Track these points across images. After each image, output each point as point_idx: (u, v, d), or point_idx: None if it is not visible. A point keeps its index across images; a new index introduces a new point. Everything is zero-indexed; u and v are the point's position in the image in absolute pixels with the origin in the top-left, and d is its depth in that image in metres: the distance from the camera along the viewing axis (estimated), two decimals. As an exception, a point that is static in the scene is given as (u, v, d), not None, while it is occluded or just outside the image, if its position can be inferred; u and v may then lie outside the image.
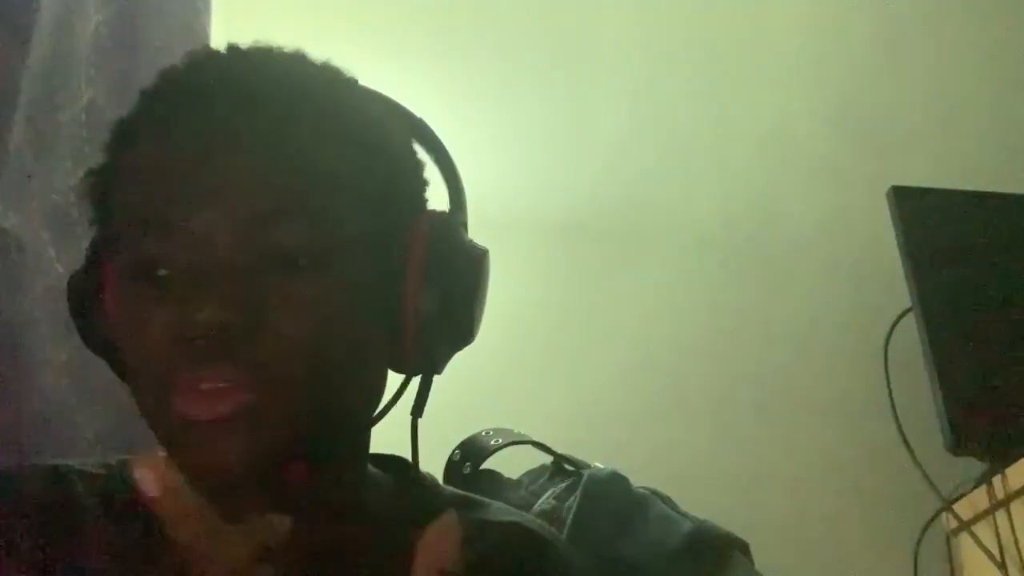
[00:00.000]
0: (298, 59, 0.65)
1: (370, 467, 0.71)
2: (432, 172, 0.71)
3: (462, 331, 0.65)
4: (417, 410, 0.67)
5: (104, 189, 0.64)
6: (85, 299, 0.65)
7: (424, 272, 0.63)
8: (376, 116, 0.66)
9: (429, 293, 0.63)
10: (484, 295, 0.67)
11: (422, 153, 0.71)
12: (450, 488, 0.76)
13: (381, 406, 0.67)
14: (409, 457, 0.73)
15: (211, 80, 0.61)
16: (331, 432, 0.61)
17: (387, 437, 0.70)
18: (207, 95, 0.60)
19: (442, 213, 0.67)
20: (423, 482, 0.74)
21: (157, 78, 0.64)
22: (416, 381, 0.69)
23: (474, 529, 0.70)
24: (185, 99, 0.61)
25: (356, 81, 0.67)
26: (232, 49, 0.64)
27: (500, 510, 0.76)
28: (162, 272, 0.58)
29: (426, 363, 0.66)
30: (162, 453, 0.67)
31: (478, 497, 0.76)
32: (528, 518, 0.78)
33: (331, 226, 0.59)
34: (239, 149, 0.59)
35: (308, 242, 0.58)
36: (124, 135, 0.63)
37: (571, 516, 0.90)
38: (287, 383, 0.57)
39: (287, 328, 0.57)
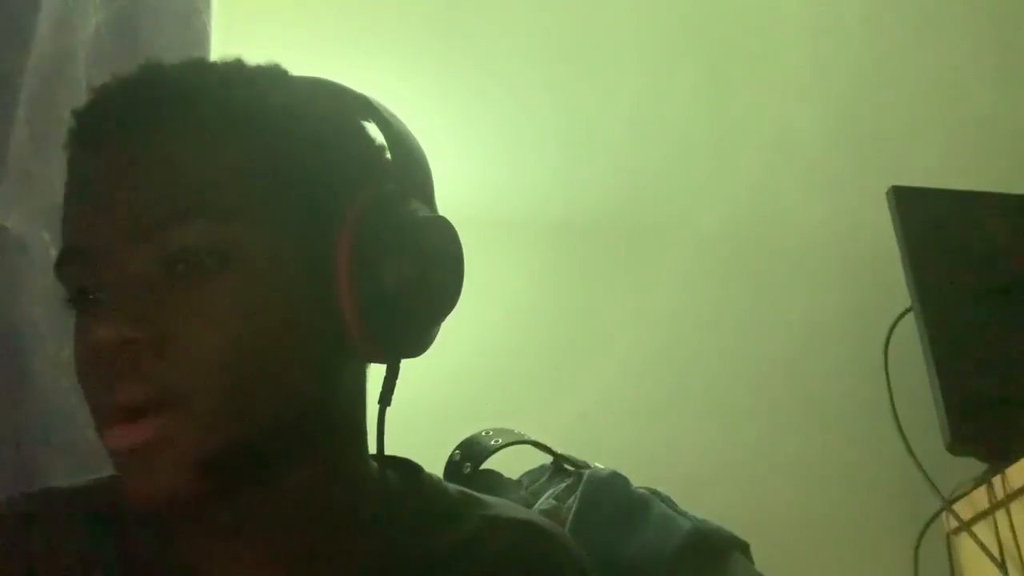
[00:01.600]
0: (211, 67, 0.63)
1: (374, 465, 0.69)
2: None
3: (415, 307, 0.61)
4: (384, 398, 0.64)
5: None
6: None
7: (353, 252, 0.59)
8: (296, 108, 0.62)
9: (362, 273, 0.59)
10: (445, 265, 0.63)
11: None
12: (455, 486, 0.75)
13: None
14: (410, 456, 0.73)
15: (113, 102, 0.60)
16: (276, 436, 0.59)
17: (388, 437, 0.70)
18: (108, 118, 0.59)
19: (384, 188, 0.64)
20: (430, 481, 0.73)
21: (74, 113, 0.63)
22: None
23: (486, 527, 0.70)
24: (88, 125, 0.60)
25: (284, 75, 0.65)
26: (143, 68, 0.63)
27: (510, 507, 0.75)
28: (83, 297, 0.58)
29: (383, 348, 0.62)
30: None
31: (485, 496, 0.75)
32: (539, 517, 0.77)
33: (235, 225, 0.57)
34: (131, 163, 0.58)
35: (208, 244, 0.56)
36: (66, 160, 0.63)
37: (571, 516, 0.90)
38: (202, 395, 0.55)
39: (195, 338, 0.55)
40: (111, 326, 0.54)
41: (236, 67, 0.64)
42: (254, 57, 0.66)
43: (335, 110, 0.66)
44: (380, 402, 0.64)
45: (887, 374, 1.36)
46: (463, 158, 0.72)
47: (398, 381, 0.65)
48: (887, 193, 1.43)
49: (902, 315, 1.38)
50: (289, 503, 0.62)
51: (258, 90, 0.62)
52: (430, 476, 0.74)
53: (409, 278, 0.60)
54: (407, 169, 0.65)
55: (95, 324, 0.54)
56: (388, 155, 0.66)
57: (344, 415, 0.66)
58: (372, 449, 0.68)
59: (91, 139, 0.60)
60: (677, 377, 1.52)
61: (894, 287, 1.39)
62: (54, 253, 0.94)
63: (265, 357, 0.57)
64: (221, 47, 1.24)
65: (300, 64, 0.67)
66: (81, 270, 0.58)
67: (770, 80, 1.73)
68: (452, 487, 0.74)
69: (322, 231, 0.60)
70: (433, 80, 1.61)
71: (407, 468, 0.73)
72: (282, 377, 0.58)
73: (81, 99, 0.97)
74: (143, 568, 0.63)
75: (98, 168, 0.58)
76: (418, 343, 0.64)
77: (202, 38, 1.21)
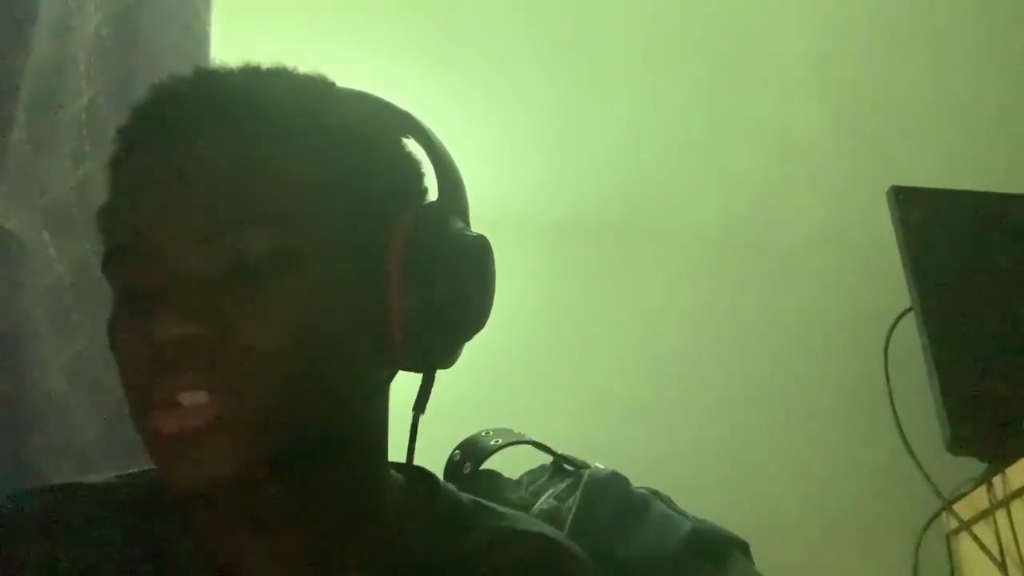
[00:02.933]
0: (267, 74, 0.65)
1: (393, 472, 0.70)
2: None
3: (457, 321, 0.64)
4: (419, 406, 0.66)
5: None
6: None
7: (405, 266, 0.62)
8: (349, 120, 0.65)
9: (413, 287, 0.61)
10: (483, 283, 0.65)
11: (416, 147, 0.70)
12: (469, 496, 0.75)
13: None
14: (406, 453, 0.73)
15: (174, 104, 0.62)
16: (317, 436, 0.60)
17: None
18: (165, 124, 0.61)
19: (429, 204, 0.67)
20: (445, 491, 0.74)
21: (129, 113, 0.64)
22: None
23: (499, 538, 0.70)
24: (146, 130, 0.62)
25: (333, 86, 0.67)
26: (199, 72, 0.65)
27: (523, 519, 0.76)
28: (138, 293, 0.59)
29: (422, 358, 0.64)
30: None
31: (499, 507, 0.76)
32: (552, 529, 0.77)
33: (297, 233, 0.59)
34: (196, 166, 0.59)
35: (272, 249, 0.58)
36: (109, 169, 0.64)
37: (571, 516, 0.90)
38: (256, 389, 0.56)
39: (254, 337, 0.57)
40: (177, 322, 0.55)
41: (288, 75, 0.65)
42: (254, 58, 0.66)
43: (383, 125, 0.68)
44: (415, 409, 0.66)
45: (887, 374, 1.36)
46: (462, 157, 0.72)
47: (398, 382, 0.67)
48: (887, 193, 1.43)
49: (902, 315, 1.38)
50: (317, 503, 0.63)
51: (318, 102, 0.64)
52: (445, 486, 0.74)
53: (453, 293, 0.63)
54: (448, 186, 0.67)
55: (160, 319, 0.55)
56: (424, 169, 0.69)
57: (374, 421, 0.67)
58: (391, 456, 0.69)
59: (154, 138, 0.61)
60: (677, 377, 1.52)
61: (894, 287, 1.39)
62: (54, 253, 0.95)
63: (318, 358, 0.59)
64: (221, 47, 1.24)
65: (300, 64, 0.67)
66: (138, 266, 0.59)
67: (770, 80, 1.73)
68: (466, 497, 0.74)
69: (374, 242, 0.62)
70: (432, 80, 1.61)
71: (423, 477, 0.73)
72: (331, 379, 0.60)
73: (81, 99, 0.97)
74: (167, 562, 0.64)
75: (163, 168, 0.59)
76: (454, 355, 0.66)
77: (202, 38, 1.21)
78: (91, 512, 0.65)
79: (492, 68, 1.67)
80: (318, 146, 0.62)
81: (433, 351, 0.64)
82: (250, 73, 0.64)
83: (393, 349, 0.62)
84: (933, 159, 1.65)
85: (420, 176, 0.68)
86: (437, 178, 0.68)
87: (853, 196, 1.62)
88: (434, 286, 0.62)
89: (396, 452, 0.72)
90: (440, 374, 0.67)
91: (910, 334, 1.35)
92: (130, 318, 0.59)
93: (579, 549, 0.76)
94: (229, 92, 0.62)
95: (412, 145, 0.70)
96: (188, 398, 0.56)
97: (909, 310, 1.37)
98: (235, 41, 1.22)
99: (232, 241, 0.58)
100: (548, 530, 0.76)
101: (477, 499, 0.75)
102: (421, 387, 0.66)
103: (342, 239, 0.61)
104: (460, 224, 0.66)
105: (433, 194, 0.69)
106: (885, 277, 1.45)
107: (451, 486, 0.75)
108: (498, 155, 1.60)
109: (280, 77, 0.65)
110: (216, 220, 0.58)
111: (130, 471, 0.70)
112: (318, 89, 0.66)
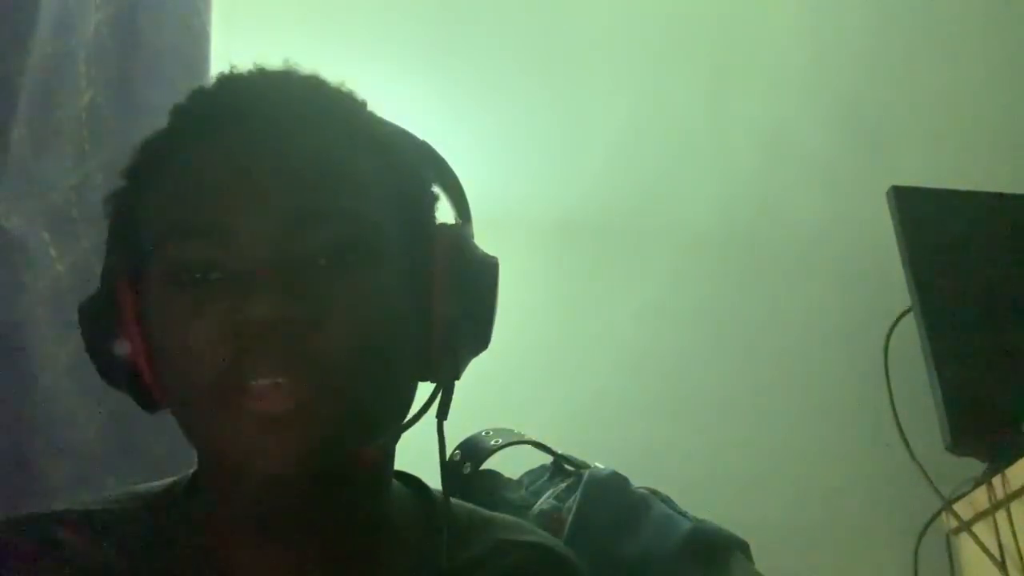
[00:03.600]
0: (319, 80, 0.67)
1: (394, 480, 0.71)
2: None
3: (482, 338, 0.67)
4: (442, 414, 0.66)
5: (130, 209, 0.64)
6: (103, 329, 0.64)
7: (449, 281, 0.64)
8: (390, 129, 0.68)
9: (455, 302, 0.64)
10: (496, 300, 0.68)
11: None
12: (467, 504, 0.75)
13: (410, 415, 0.66)
14: (410, 456, 0.73)
15: (243, 99, 0.63)
16: (366, 439, 0.61)
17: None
18: (241, 113, 0.62)
19: (458, 224, 0.69)
20: (436, 497, 0.73)
21: (188, 99, 0.65)
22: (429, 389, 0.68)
23: (499, 549, 0.70)
24: (221, 117, 0.62)
25: (366, 103, 0.69)
26: (259, 70, 0.66)
27: (523, 529, 0.76)
28: (214, 276, 0.58)
29: (452, 370, 0.66)
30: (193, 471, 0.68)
31: (499, 515, 0.76)
32: (553, 540, 0.77)
33: (368, 227, 0.61)
34: (277, 159, 0.60)
35: (351, 240, 0.60)
36: (156, 153, 0.64)
37: (571, 516, 0.90)
38: (345, 378, 0.57)
39: (349, 320, 0.58)
40: (273, 302, 0.56)
41: (348, 90, 0.68)
42: (254, 58, 0.66)
43: (412, 144, 0.70)
44: (438, 417, 0.66)
45: (887, 374, 1.36)
46: (460, 157, 0.72)
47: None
48: (887, 193, 1.43)
49: (902, 315, 1.38)
50: (337, 509, 0.63)
51: (360, 107, 0.67)
52: (442, 495, 0.74)
53: (480, 308, 0.66)
54: (465, 211, 0.71)
55: (252, 300, 0.56)
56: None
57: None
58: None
59: (233, 125, 0.62)
60: (677, 377, 1.52)
61: (894, 287, 1.39)
62: (54, 253, 0.95)
63: (392, 355, 0.61)
64: (221, 48, 1.24)
65: (300, 64, 0.68)
66: (218, 249, 0.59)
67: (770, 79, 1.73)
68: (463, 505, 0.74)
69: (417, 250, 0.64)
70: (432, 80, 1.61)
71: (418, 486, 0.73)
72: (397, 378, 0.63)
73: (81, 99, 0.98)
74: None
75: (250, 155, 0.60)
76: (465, 367, 0.68)
77: (202, 38, 1.21)
78: (101, 532, 0.64)
79: (491, 68, 1.67)
80: (371, 150, 0.64)
81: (462, 364, 0.67)
82: (300, 75, 0.66)
83: (430, 359, 0.64)
84: (933, 159, 1.65)
85: (435, 198, 0.71)
86: (454, 202, 0.71)
87: (853, 196, 1.62)
88: (470, 302, 0.65)
89: (399, 451, 0.73)
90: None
91: (910, 334, 1.35)
92: (205, 303, 0.58)
93: (577, 559, 0.76)
94: (298, 90, 0.65)
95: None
96: (278, 381, 0.56)
97: (909, 310, 1.37)
98: (235, 41, 1.22)
99: (316, 232, 0.59)
100: (548, 540, 0.76)
101: (476, 508, 0.75)
102: (443, 397, 0.66)
103: (399, 241, 0.63)
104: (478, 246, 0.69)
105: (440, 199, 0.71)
106: (885, 277, 1.45)
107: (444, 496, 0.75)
108: (497, 154, 1.60)
109: (326, 84, 0.67)
110: (300, 212, 0.59)
111: (135, 487, 0.69)
112: (357, 100, 0.68)
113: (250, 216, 0.59)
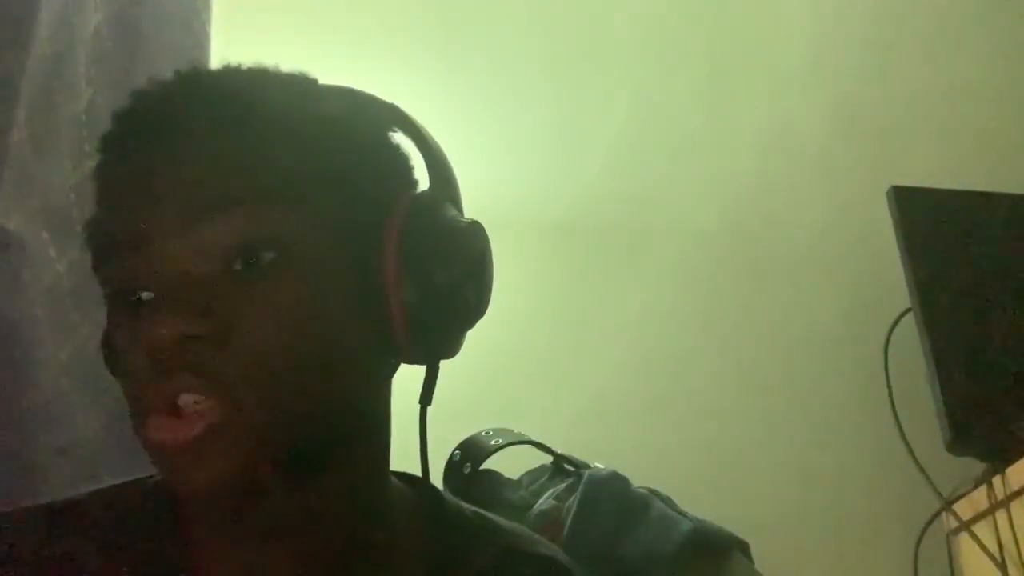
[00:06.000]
0: (248, 72, 0.64)
1: (393, 478, 0.69)
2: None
3: (457, 309, 0.63)
4: (425, 398, 0.65)
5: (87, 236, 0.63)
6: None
7: (401, 256, 0.60)
8: (333, 112, 0.64)
9: (411, 277, 0.60)
10: (481, 269, 0.64)
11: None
12: (472, 507, 0.74)
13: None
14: (410, 456, 0.73)
15: (153, 106, 0.61)
16: (321, 436, 0.59)
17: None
18: (149, 121, 0.60)
19: (421, 193, 0.65)
20: (446, 499, 0.73)
21: (111, 121, 0.63)
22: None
23: (504, 559, 0.70)
24: (129, 132, 0.60)
25: (315, 82, 0.66)
26: (178, 74, 0.63)
27: (529, 539, 0.75)
28: (144, 295, 0.57)
29: (427, 349, 0.63)
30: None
31: (503, 522, 0.75)
32: (559, 551, 0.77)
33: (285, 222, 0.58)
34: (176, 159, 0.58)
35: (260, 235, 0.56)
36: (93, 179, 0.63)
37: (571, 516, 0.90)
38: (257, 394, 0.55)
39: (257, 333, 0.55)
40: (173, 321, 0.53)
41: (270, 72, 0.64)
42: (255, 58, 0.66)
43: (368, 117, 0.67)
44: (421, 402, 0.65)
45: (887, 374, 1.36)
46: (460, 157, 0.71)
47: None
48: (887, 193, 1.43)
49: (902, 315, 1.38)
50: (323, 506, 0.62)
51: (300, 96, 0.63)
52: (446, 494, 0.73)
53: (452, 281, 0.62)
54: (438, 175, 0.66)
55: (155, 319, 0.54)
56: (413, 161, 0.68)
57: (377, 419, 0.66)
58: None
59: (134, 140, 0.60)
60: (677, 377, 1.52)
61: (894, 287, 1.39)
62: (54, 253, 0.95)
63: (319, 355, 0.58)
64: (221, 48, 1.24)
65: (300, 65, 0.67)
66: (127, 267, 0.57)
67: (769, 79, 1.73)
68: (469, 508, 0.74)
69: (367, 234, 0.61)
70: (432, 80, 1.61)
71: (423, 486, 0.72)
72: (333, 375, 0.59)
73: (81, 99, 0.97)
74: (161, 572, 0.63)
75: (144, 166, 0.58)
76: (456, 345, 0.65)
77: (202, 39, 1.21)
78: (88, 526, 0.64)
79: (491, 68, 1.67)
80: (301, 137, 0.60)
81: (435, 341, 0.63)
82: (230, 71, 0.64)
83: (395, 341, 0.61)
84: (933, 159, 1.65)
85: (410, 167, 0.67)
86: (427, 168, 0.67)
87: (853, 196, 1.62)
88: (432, 275, 0.61)
89: (399, 451, 0.73)
90: (440, 374, 0.66)
91: (910, 334, 1.35)
92: (124, 321, 0.58)
93: (580, 569, 0.76)
94: (208, 89, 0.61)
95: (400, 138, 0.68)
96: (186, 401, 0.54)
97: (909, 310, 1.37)
98: (235, 41, 1.22)
99: (214, 226, 0.56)
100: (557, 553, 0.75)
101: (481, 512, 0.74)
102: (426, 379, 0.65)
103: (335, 231, 0.60)
104: (453, 211, 0.65)
105: (423, 185, 0.68)
106: (885, 277, 1.45)
107: (454, 499, 0.74)
108: (497, 155, 1.60)
109: (261, 74, 0.64)
110: (195, 206, 0.56)
111: (124, 480, 0.68)
112: (300, 84, 0.65)
113: (144, 227, 0.56)
